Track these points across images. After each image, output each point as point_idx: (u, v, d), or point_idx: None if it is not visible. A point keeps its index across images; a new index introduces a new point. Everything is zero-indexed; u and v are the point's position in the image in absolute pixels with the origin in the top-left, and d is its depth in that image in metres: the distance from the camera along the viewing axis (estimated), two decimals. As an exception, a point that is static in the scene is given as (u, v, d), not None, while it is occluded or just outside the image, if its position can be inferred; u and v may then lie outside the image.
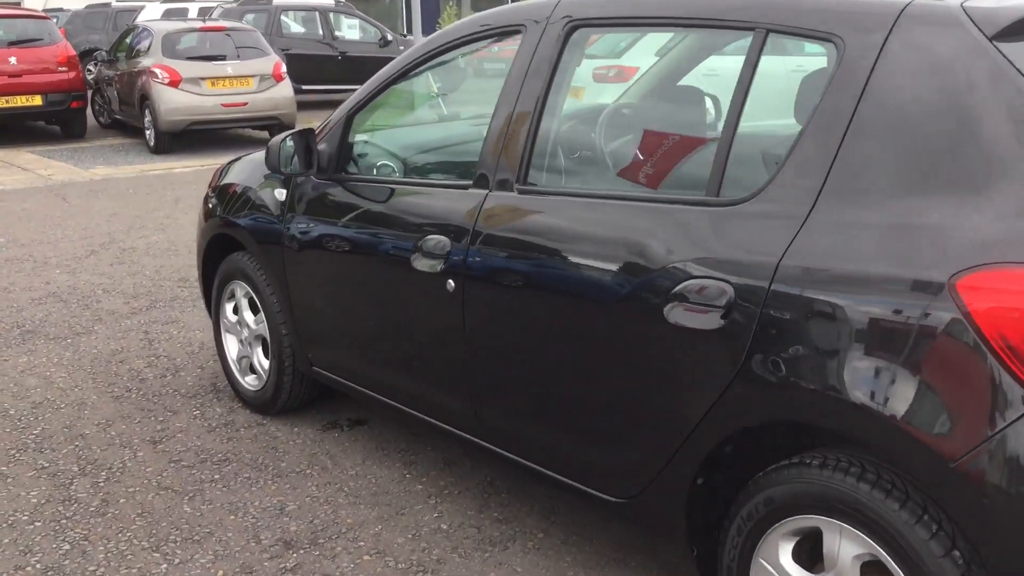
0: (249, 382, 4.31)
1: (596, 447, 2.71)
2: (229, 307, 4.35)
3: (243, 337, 4.25)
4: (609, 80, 10.32)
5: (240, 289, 4.19)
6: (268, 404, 4.18)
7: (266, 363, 4.15)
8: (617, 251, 2.55)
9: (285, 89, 12.91)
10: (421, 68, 3.46)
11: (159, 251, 7.36)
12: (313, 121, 14.19)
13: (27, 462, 3.86)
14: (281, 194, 3.83)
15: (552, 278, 2.74)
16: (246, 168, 4.21)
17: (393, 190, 3.37)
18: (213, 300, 4.41)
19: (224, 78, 12.45)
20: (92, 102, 14.92)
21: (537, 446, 2.93)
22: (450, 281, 3.00)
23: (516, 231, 2.84)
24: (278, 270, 3.84)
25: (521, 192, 2.88)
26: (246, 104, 12.52)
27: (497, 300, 2.90)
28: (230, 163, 4.50)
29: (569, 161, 3.08)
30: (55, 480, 3.71)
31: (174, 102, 12.12)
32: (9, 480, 3.71)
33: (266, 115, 12.76)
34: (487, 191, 2.97)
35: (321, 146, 3.60)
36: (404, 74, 3.48)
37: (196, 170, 11.17)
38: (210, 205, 4.34)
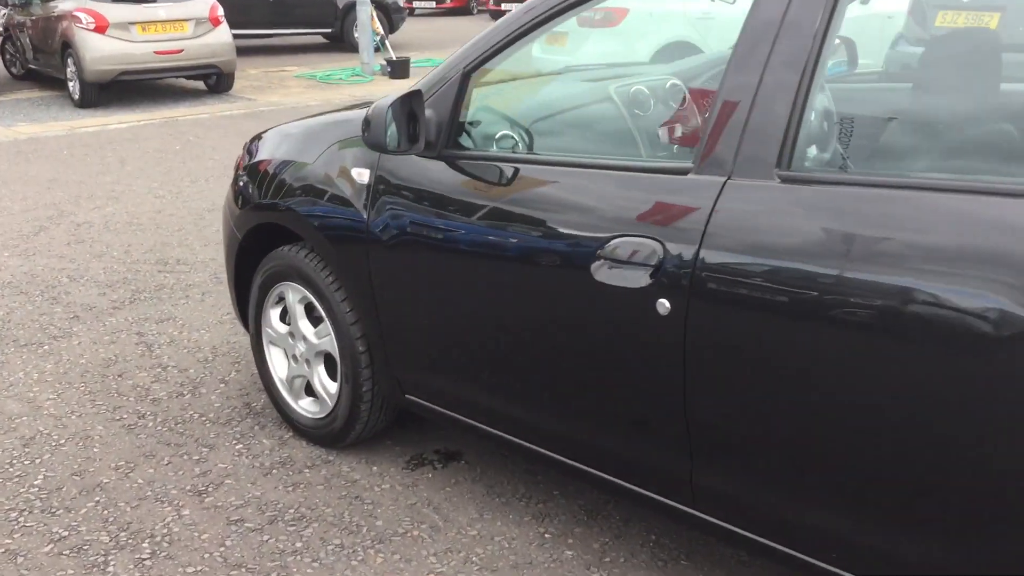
0: (306, 408, 3.45)
1: (924, 540, 1.97)
2: (275, 314, 3.47)
3: (297, 352, 3.38)
4: (596, 24, 9.43)
5: (293, 293, 3.32)
6: (336, 437, 3.34)
7: (332, 386, 3.30)
8: (995, 272, 1.79)
9: (223, 34, 11.75)
10: (567, 13, 2.62)
11: (120, 226, 6.36)
12: (249, 70, 13.11)
13: (38, 530, 2.97)
14: (362, 175, 2.97)
15: (849, 306, 1.96)
16: (297, 140, 3.32)
17: (547, 172, 2.54)
18: (253, 305, 3.52)
19: (156, 22, 11.24)
20: (2, 51, 13.49)
21: (798, 526, 2.18)
22: (663, 301, 2.21)
23: (782, 234, 2.06)
24: (358, 272, 2.99)
25: (787, 181, 2.09)
26: (181, 51, 11.36)
27: (747, 334, 2.11)
28: (262, 135, 3.60)
29: (868, 138, 2.29)
30: (82, 559, 2.83)
31: (101, 50, 10.90)
32: (21, 561, 2.81)
33: (204, 63, 11.63)
34: (724, 178, 2.17)
35: (427, 113, 2.74)
36: (543, 22, 2.63)
37: (134, 126, 10.03)
38: (244, 187, 3.44)
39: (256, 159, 3.46)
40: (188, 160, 8.49)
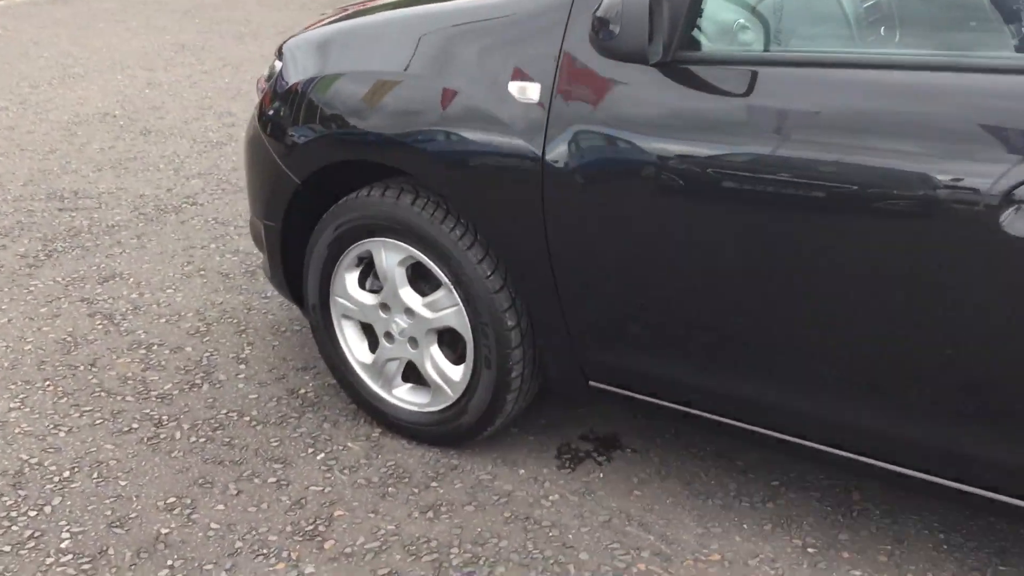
0: (406, 398, 2.64)
1: None
2: (351, 280, 2.61)
3: (394, 329, 2.55)
4: None
5: (389, 253, 2.48)
6: (462, 434, 2.56)
7: (455, 371, 2.50)
8: None
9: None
10: None
11: (-24, 151, 5.09)
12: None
13: (112, 627, 2.08)
14: (528, 90, 2.14)
15: None
16: (378, 43, 2.43)
17: (874, 79, 1.81)
18: (316, 268, 2.63)
19: None
20: None
21: None
22: None
23: None
24: (520, 224, 2.20)
25: None
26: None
27: None
28: (297, 41, 2.66)
29: None
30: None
31: None
32: None
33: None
34: None
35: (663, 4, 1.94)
36: None
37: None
38: (292, 114, 2.53)
39: (305, 75, 2.53)
40: (13, 61, 7.05)
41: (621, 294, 2.16)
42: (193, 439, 2.68)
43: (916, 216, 1.73)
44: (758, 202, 1.88)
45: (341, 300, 2.64)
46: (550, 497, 2.43)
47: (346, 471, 2.54)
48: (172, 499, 2.45)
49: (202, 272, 3.71)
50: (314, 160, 2.52)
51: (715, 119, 1.92)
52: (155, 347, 3.17)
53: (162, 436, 2.70)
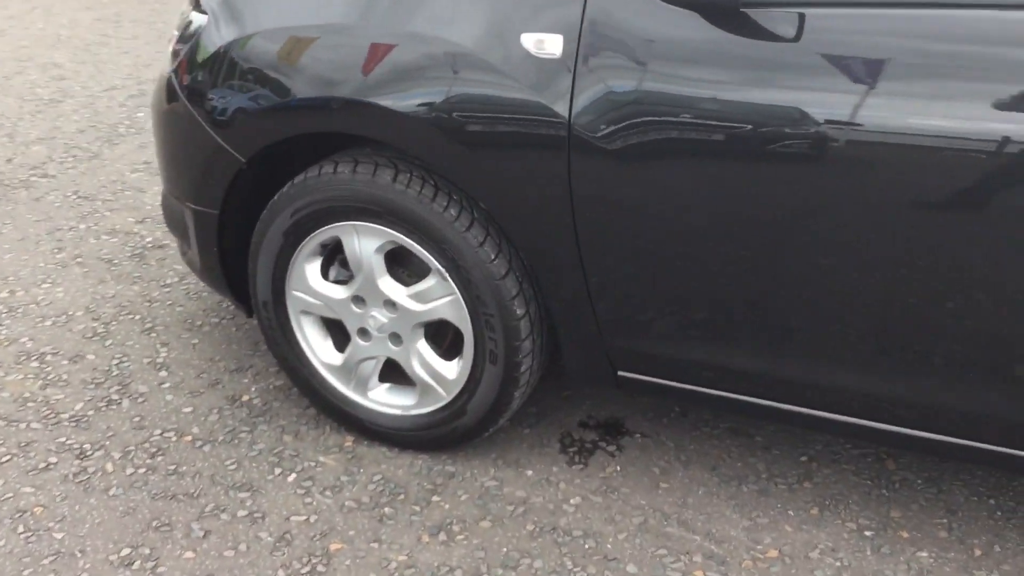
0: (385, 401, 2.31)
1: None
2: (311, 272, 2.23)
3: (370, 324, 2.20)
4: None
5: (363, 239, 2.12)
6: (458, 437, 2.26)
7: (449, 368, 2.19)
8: None
9: None
10: None
11: None
12: None
13: None
14: (548, 44, 1.82)
15: None
16: None
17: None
18: (268, 260, 2.24)
19: None
20: None
21: None
22: None
23: None
24: (538, 197, 1.89)
25: None
26: None
27: None
28: None
29: None
30: None
31: None
32: None
33: None
34: None
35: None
36: None
37: None
38: (229, 81, 2.12)
39: (246, 30, 2.11)
40: None
41: (662, 276, 1.89)
42: (130, 471, 2.26)
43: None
44: (834, 162, 1.64)
45: (300, 295, 2.26)
46: (571, 501, 2.17)
47: (328, 493, 2.19)
48: (126, 551, 2.04)
49: (79, 259, 3.20)
50: (266, 134, 2.12)
51: (790, 71, 1.65)
52: (49, 357, 2.68)
53: (91, 470, 2.26)
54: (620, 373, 2.06)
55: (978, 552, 2.02)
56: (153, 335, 2.78)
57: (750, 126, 1.67)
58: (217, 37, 2.15)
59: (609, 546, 2.04)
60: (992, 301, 1.64)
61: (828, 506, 2.15)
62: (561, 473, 2.25)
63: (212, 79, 2.15)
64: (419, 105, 1.90)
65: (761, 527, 2.09)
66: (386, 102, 1.92)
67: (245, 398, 2.51)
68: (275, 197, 2.18)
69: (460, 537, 2.07)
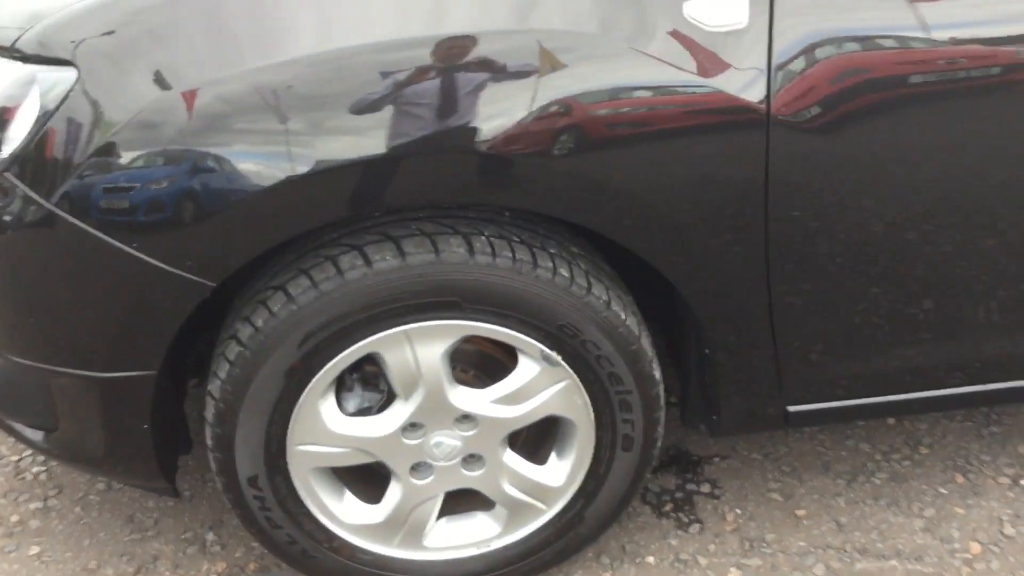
0: (453, 543, 1.68)
1: None
2: (328, 411, 1.51)
3: (435, 455, 1.55)
4: None
5: (427, 344, 1.45)
6: (568, 553, 1.70)
7: (551, 474, 1.62)
8: None
9: None
10: None
11: None
12: None
13: None
14: (731, 13, 1.30)
15: None
16: None
17: None
18: (250, 423, 1.46)
19: None
20: None
21: None
22: None
23: None
24: (727, 207, 1.39)
25: None
26: None
27: None
28: (107, 43, 1.35)
29: None
30: None
31: None
32: None
33: None
34: None
35: None
36: None
37: None
38: (151, 170, 1.30)
39: (195, 81, 1.30)
40: None
41: (867, 278, 1.49)
42: None
43: None
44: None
45: (311, 449, 1.51)
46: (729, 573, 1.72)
47: None
48: None
49: None
50: (265, 233, 1.32)
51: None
52: None
53: None
54: (791, 409, 1.63)
55: None
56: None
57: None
58: (120, 96, 1.28)
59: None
60: None
61: (964, 468, 1.92)
62: (685, 543, 1.78)
63: (125, 167, 1.28)
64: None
65: (937, 520, 1.81)
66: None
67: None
68: (267, 327, 1.39)
69: None
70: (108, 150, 1.28)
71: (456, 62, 1.28)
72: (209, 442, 1.50)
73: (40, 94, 1.31)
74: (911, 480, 1.90)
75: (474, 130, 1.29)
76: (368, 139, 1.28)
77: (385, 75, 1.27)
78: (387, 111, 1.27)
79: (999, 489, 1.86)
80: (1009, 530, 1.78)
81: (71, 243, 1.33)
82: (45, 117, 1.30)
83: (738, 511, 1.84)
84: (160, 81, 1.28)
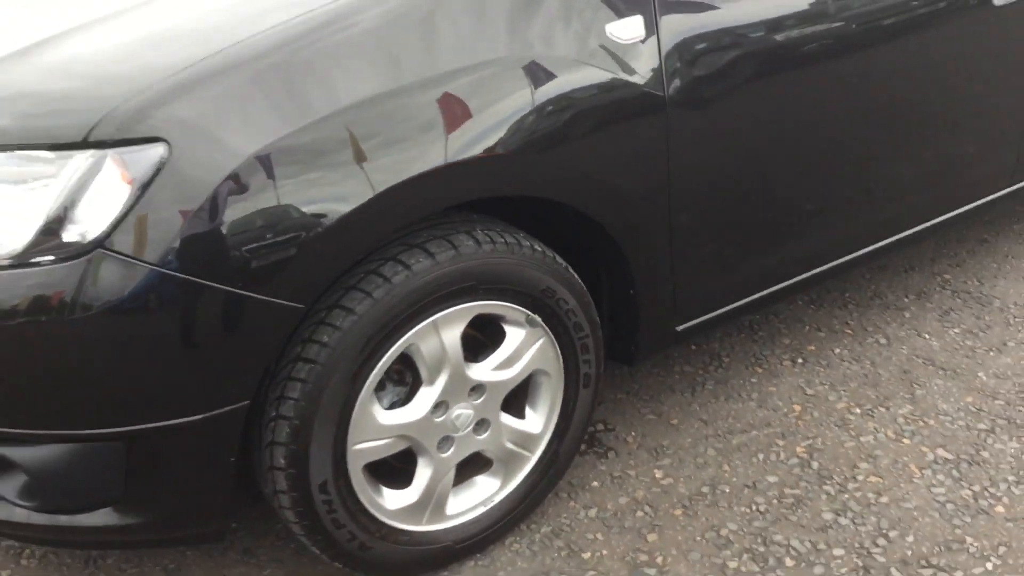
0: (467, 506, 1.98)
1: None
2: (377, 409, 1.78)
3: (458, 426, 1.87)
4: None
5: (449, 328, 1.79)
6: (547, 489, 2.09)
7: (531, 424, 1.99)
8: None
9: None
10: None
11: None
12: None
13: None
14: (626, 28, 1.83)
15: None
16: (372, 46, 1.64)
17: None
18: (323, 431, 1.69)
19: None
20: None
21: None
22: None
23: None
24: (641, 173, 1.90)
25: None
26: None
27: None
28: (200, 112, 1.54)
29: None
30: None
31: None
32: None
33: None
34: None
35: None
36: None
37: None
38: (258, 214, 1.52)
39: (277, 133, 1.55)
40: None
41: (742, 207, 2.08)
42: None
43: None
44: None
45: (365, 446, 1.76)
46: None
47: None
48: None
49: None
50: (343, 256, 1.59)
51: None
52: None
53: None
54: (679, 328, 2.14)
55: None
56: None
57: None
58: (210, 160, 1.49)
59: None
60: None
61: (759, 362, 2.56)
62: (612, 465, 2.22)
63: (230, 219, 1.49)
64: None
65: (762, 398, 2.42)
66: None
67: None
68: (319, 347, 1.64)
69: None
70: (207, 208, 1.48)
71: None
72: (282, 462, 1.68)
73: (147, 169, 1.46)
74: (730, 380, 2.48)
75: (484, 135, 1.66)
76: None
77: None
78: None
79: (788, 368, 2.51)
80: (809, 391, 2.42)
81: (178, 296, 1.49)
82: (148, 189, 1.46)
83: (632, 434, 2.31)
84: (259, 135, 1.50)
